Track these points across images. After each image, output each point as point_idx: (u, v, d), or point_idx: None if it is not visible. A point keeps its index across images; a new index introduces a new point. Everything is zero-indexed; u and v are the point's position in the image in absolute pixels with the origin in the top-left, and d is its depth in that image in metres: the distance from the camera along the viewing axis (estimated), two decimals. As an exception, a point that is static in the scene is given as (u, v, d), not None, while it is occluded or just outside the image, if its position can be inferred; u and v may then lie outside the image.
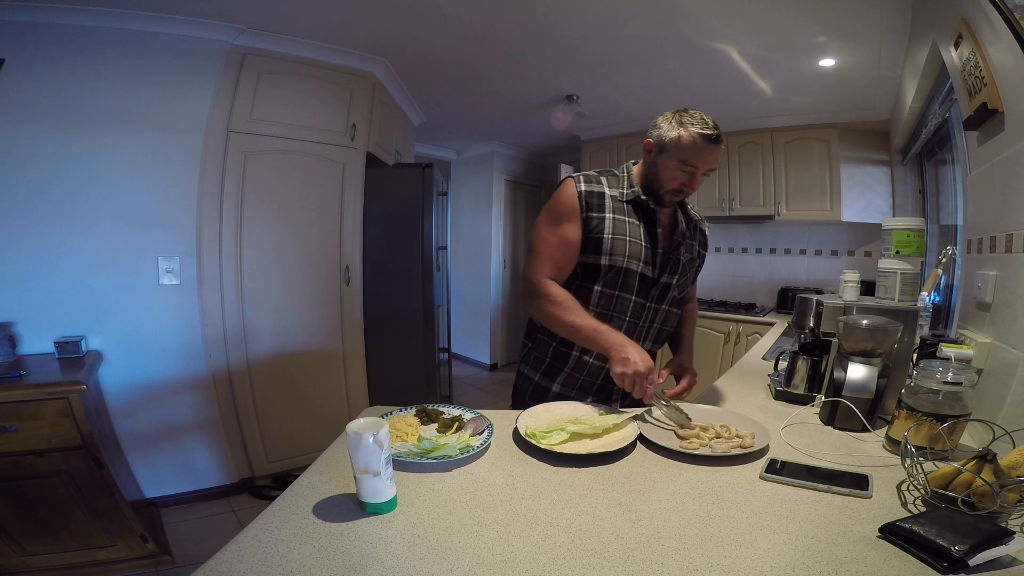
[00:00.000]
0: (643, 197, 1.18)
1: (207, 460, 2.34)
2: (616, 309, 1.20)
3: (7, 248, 1.90)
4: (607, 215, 1.17)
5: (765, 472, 0.84)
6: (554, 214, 1.18)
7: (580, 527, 0.68)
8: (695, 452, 0.91)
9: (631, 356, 1.04)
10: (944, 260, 1.69)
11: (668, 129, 1.12)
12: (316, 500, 0.73)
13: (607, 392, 1.27)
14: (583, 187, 1.17)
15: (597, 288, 1.19)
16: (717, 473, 0.86)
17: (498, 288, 4.95)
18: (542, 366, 1.29)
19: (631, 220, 1.18)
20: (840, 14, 2.02)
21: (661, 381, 1.20)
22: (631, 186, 1.20)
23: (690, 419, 1.04)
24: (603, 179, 1.20)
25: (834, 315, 1.23)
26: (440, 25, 2.24)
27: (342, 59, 2.50)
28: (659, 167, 1.15)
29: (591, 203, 1.16)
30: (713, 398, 1.34)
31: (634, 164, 1.24)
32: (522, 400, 1.33)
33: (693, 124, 1.09)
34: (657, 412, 1.10)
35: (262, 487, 2.44)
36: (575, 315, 1.13)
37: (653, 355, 1.28)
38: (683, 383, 1.23)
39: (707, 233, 1.38)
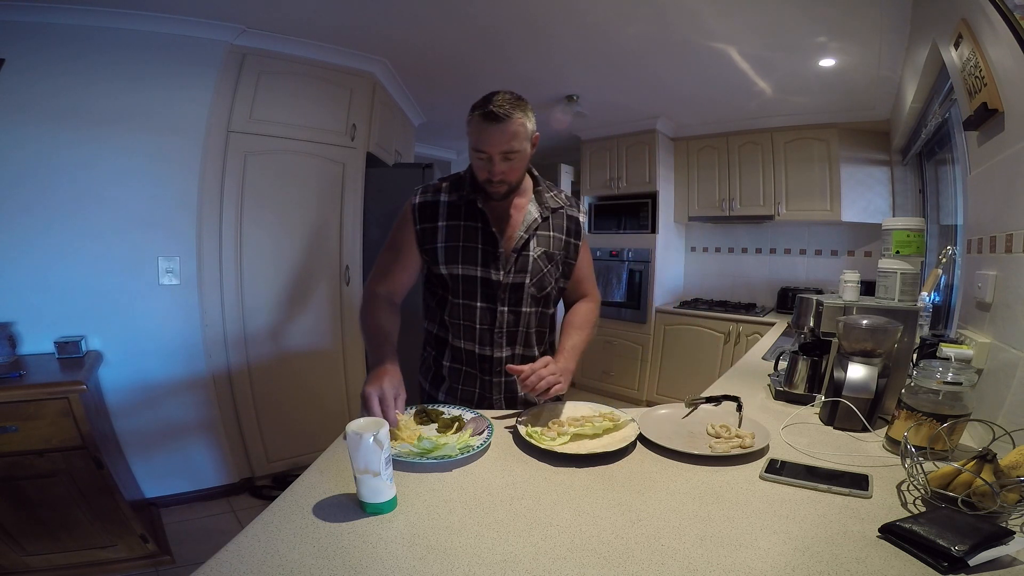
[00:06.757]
0: (471, 196, 1.11)
1: (207, 460, 2.34)
2: (466, 318, 1.16)
3: (8, 249, 1.90)
4: (440, 223, 1.13)
5: (765, 472, 0.84)
6: (393, 228, 1.20)
7: (580, 527, 0.68)
8: (695, 452, 0.91)
9: (365, 390, 0.93)
10: (944, 260, 1.69)
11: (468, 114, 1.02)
12: (316, 500, 0.73)
13: (487, 401, 1.20)
14: (417, 199, 1.16)
15: (450, 299, 1.16)
16: (717, 473, 0.86)
17: (498, 288, 4.93)
18: (429, 374, 1.26)
19: (467, 223, 1.12)
20: (840, 13, 2.02)
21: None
22: (467, 187, 1.13)
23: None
24: (444, 185, 1.16)
25: (834, 315, 1.23)
26: (440, 25, 2.24)
27: (342, 59, 2.50)
28: (470, 158, 1.08)
29: (424, 214, 1.14)
30: (713, 398, 1.34)
31: None
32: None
33: (478, 105, 0.98)
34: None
35: (262, 487, 2.43)
36: (370, 322, 1.12)
37: (534, 360, 1.11)
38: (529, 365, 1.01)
39: (579, 219, 1.22)
